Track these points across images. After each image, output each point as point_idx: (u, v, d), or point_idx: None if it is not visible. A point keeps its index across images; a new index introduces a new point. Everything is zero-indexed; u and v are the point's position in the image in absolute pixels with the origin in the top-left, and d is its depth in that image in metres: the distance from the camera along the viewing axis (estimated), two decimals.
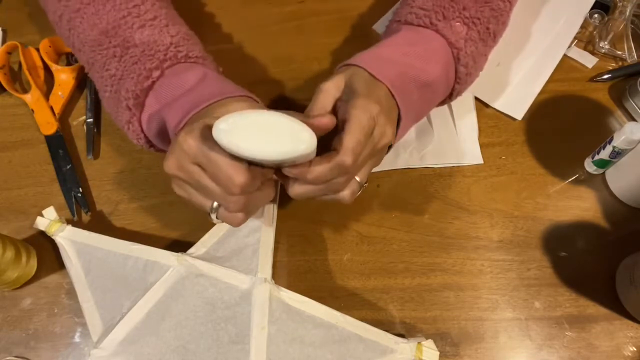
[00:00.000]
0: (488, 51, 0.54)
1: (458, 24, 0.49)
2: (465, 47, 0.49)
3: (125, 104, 0.47)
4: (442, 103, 0.54)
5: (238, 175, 0.38)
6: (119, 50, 0.48)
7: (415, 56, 0.47)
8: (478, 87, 0.63)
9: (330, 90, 0.44)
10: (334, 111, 0.44)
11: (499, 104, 0.62)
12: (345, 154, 0.40)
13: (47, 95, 0.64)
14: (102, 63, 0.49)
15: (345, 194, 0.44)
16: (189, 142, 0.39)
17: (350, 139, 0.40)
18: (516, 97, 0.62)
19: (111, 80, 0.48)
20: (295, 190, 0.43)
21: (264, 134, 0.36)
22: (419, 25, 0.49)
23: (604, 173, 0.58)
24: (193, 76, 0.47)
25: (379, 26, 0.68)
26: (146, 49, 0.48)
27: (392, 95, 0.45)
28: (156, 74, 0.47)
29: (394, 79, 0.45)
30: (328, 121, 0.40)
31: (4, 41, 0.69)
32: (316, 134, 0.38)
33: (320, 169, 0.40)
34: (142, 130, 0.48)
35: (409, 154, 0.59)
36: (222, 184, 0.39)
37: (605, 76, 0.63)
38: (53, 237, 0.52)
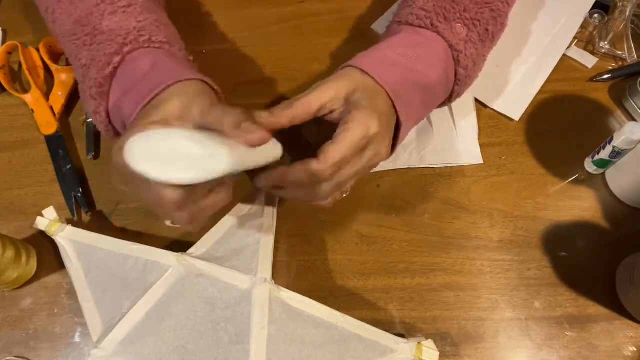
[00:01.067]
0: (487, 52, 0.54)
1: (459, 25, 0.49)
2: (465, 49, 0.49)
3: (89, 93, 0.45)
4: (441, 105, 0.54)
5: (167, 195, 0.36)
6: (89, 38, 0.46)
7: (416, 58, 0.47)
8: (477, 87, 0.63)
9: (326, 94, 0.42)
10: (321, 114, 0.43)
11: (497, 105, 0.62)
12: (325, 163, 0.39)
13: (47, 95, 0.64)
14: (75, 53, 0.47)
15: (325, 202, 0.44)
16: (117, 160, 0.36)
17: (335, 152, 0.39)
18: (514, 98, 0.62)
19: (82, 71, 0.46)
20: (266, 186, 0.42)
21: (174, 158, 0.33)
22: (420, 27, 0.49)
23: (604, 173, 0.58)
24: (148, 61, 0.44)
25: (378, 26, 0.68)
26: (111, 35, 0.45)
27: (392, 103, 0.44)
28: (117, 59, 0.44)
29: (396, 85, 0.45)
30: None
31: (4, 41, 0.69)
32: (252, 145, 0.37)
33: (295, 176, 0.39)
34: (110, 122, 0.46)
35: (409, 154, 0.59)
36: (155, 203, 0.37)
37: (605, 76, 0.63)
38: (53, 237, 0.52)
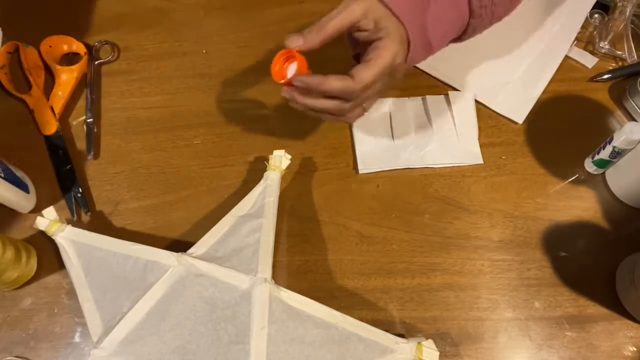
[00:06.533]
0: None
1: None
2: None
3: None
4: (456, 40, 0.54)
5: None
6: None
7: None
8: (478, 89, 0.63)
9: (351, 16, 0.45)
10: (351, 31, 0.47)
11: (500, 108, 0.62)
12: (359, 83, 0.44)
13: (47, 95, 0.64)
14: None
15: (350, 117, 0.48)
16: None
17: (368, 75, 0.44)
18: (517, 101, 0.62)
19: None
20: (299, 100, 0.47)
21: None
22: None
23: (604, 173, 0.58)
24: None
25: None
26: None
27: (407, 36, 0.46)
28: None
29: (411, 17, 0.46)
30: (294, 43, 0.44)
31: (4, 41, 0.69)
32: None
33: (330, 85, 0.44)
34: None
35: (409, 154, 0.59)
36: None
37: (605, 76, 0.63)
38: (53, 237, 0.52)
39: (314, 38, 0.45)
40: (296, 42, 0.45)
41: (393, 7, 0.45)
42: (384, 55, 0.44)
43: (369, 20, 0.45)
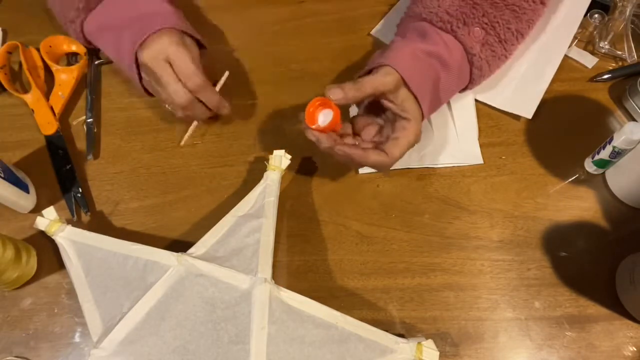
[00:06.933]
0: (513, 49, 0.57)
1: (477, 29, 0.53)
2: (480, 51, 0.54)
3: (77, 6, 0.57)
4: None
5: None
6: None
7: (437, 58, 0.53)
8: (479, 90, 0.62)
9: (384, 87, 0.49)
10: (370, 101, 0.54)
11: (506, 105, 0.61)
12: (391, 159, 0.50)
13: (47, 95, 0.64)
14: None
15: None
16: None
17: (399, 152, 0.50)
18: (523, 97, 0.62)
19: None
20: (325, 146, 0.51)
21: None
22: (440, 29, 0.54)
23: (604, 173, 0.58)
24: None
25: (378, 32, 0.68)
26: None
27: (422, 111, 0.52)
28: None
29: (426, 98, 0.52)
30: (334, 95, 0.49)
31: (4, 41, 0.69)
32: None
33: (369, 160, 0.50)
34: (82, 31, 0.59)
35: (408, 154, 0.59)
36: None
37: (605, 76, 0.63)
38: (53, 237, 0.52)
39: (352, 94, 0.49)
40: (337, 95, 0.49)
41: (416, 93, 0.50)
42: (410, 135, 0.50)
43: (397, 95, 0.50)
